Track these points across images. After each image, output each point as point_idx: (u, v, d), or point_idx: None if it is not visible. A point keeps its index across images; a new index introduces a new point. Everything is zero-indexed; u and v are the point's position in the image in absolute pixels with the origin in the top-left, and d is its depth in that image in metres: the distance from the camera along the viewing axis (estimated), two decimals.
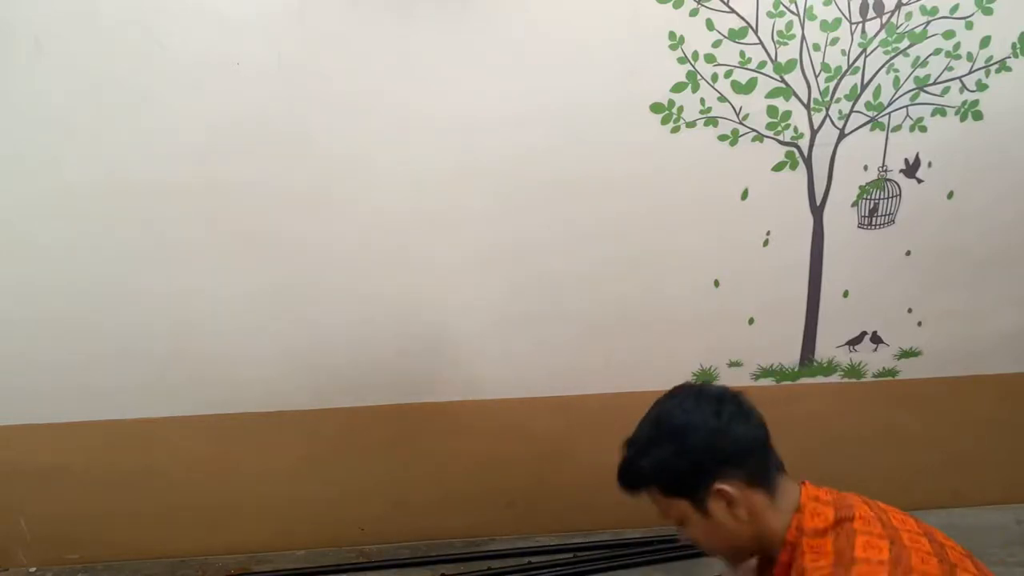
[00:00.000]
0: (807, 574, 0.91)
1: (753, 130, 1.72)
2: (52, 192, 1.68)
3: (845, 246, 1.85)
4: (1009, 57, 1.69)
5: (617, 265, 1.83)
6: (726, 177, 1.76)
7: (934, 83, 1.70)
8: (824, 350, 1.97)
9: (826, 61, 1.67)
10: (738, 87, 1.68)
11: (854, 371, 1.99)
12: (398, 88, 1.64)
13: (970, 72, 1.70)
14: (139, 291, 1.78)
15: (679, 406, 1.05)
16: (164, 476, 1.98)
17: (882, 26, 1.65)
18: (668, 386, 2.06)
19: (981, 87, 1.71)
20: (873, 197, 1.81)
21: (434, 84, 1.64)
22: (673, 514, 1.04)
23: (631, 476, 1.06)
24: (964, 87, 1.71)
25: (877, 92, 1.70)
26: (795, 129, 1.73)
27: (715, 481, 0.97)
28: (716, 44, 1.64)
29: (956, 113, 1.73)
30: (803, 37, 1.65)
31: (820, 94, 1.70)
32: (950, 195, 1.81)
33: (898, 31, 1.66)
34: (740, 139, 1.72)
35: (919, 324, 1.95)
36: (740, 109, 1.70)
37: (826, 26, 1.64)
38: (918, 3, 1.64)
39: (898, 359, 1.99)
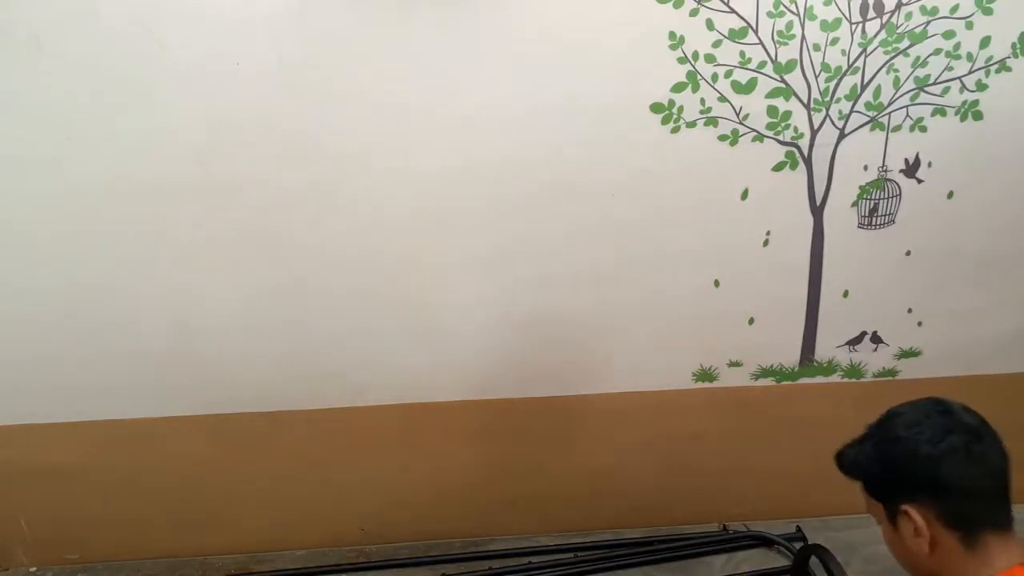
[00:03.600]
0: None
1: (753, 130, 1.72)
2: (52, 192, 1.68)
3: (845, 246, 1.85)
4: (1009, 57, 1.69)
5: (617, 265, 1.83)
6: (726, 177, 1.76)
7: (934, 83, 1.70)
8: (824, 350, 1.97)
9: (826, 61, 1.67)
10: (738, 87, 1.68)
11: (854, 371, 1.99)
12: (398, 88, 1.64)
13: (970, 72, 1.70)
14: (139, 291, 1.78)
15: (911, 416, 1.02)
16: (164, 476, 1.98)
17: (882, 26, 1.65)
18: (668, 386, 2.09)
19: (981, 87, 1.71)
20: (873, 197, 1.81)
21: (434, 84, 1.64)
22: (871, 510, 1.04)
23: (839, 458, 1.07)
24: (964, 87, 1.71)
25: (877, 92, 1.70)
26: (795, 129, 1.73)
27: (905, 502, 0.96)
28: (716, 44, 1.64)
29: (956, 113, 1.73)
30: (803, 37, 1.65)
31: (820, 94, 1.70)
32: (950, 195, 1.81)
33: (898, 31, 1.66)
34: (740, 139, 1.72)
35: (919, 324, 1.95)
36: (740, 109, 1.70)
37: (826, 26, 1.64)
38: (918, 3, 1.64)
39: (898, 359, 1.99)
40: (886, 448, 1.00)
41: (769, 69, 1.67)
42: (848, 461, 1.05)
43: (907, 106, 1.72)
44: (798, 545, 2.00)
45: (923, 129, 1.74)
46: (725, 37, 1.64)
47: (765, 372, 1.98)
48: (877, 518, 1.03)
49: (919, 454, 0.96)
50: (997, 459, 0.97)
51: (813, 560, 1.80)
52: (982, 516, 0.95)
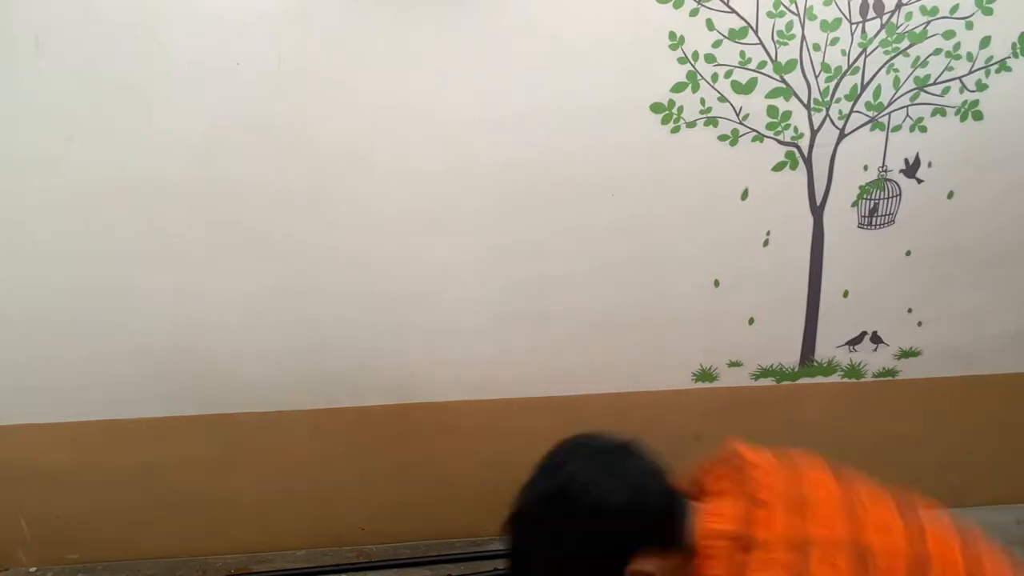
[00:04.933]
0: None
1: (753, 130, 1.72)
2: (52, 191, 1.67)
3: (845, 246, 1.85)
4: (1009, 57, 1.69)
5: (617, 265, 1.83)
6: (726, 177, 1.76)
7: (934, 83, 1.70)
8: (824, 350, 1.97)
9: (826, 61, 1.67)
10: (738, 87, 1.68)
11: (854, 371, 2.00)
12: (398, 88, 1.64)
13: (970, 72, 1.70)
14: (139, 291, 1.78)
15: (585, 477, 0.87)
16: (164, 476, 1.98)
17: (882, 26, 1.65)
18: (668, 386, 2.09)
19: (981, 87, 1.71)
20: (873, 197, 1.81)
21: (434, 84, 1.64)
22: None
23: (521, 571, 0.88)
24: (964, 87, 1.71)
25: (877, 92, 1.70)
26: (795, 129, 1.73)
27: (627, 563, 0.84)
28: (716, 44, 1.64)
29: (956, 113, 1.73)
30: (803, 37, 1.65)
31: (820, 94, 1.70)
32: (950, 195, 1.81)
33: (898, 31, 1.66)
34: (740, 139, 1.72)
35: (919, 324, 1.95)
36: (740, 109, 1.70)
37: (826, 26, 1.64)
38: (918, 3, 1.64)
39: (898, 359, 1.99)
40: (575, 531, 0.85)
41: (769, 69, 1.67)
42: (540, 571, 0.87)
43: (907, 106, 1.72)
44: None
45: (923, 129, 1.74)
46: (725, 37, 1.64)
47: (765, 372, 1.98)
48: None
49: (614, 509, 0.84)
50: (648, 460, 0.91)
51: None
52: (682, 515, 0.88)
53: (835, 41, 1.66)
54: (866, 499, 0.91)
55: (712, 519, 0.86)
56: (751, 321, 1.92)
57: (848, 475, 0.95)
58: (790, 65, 1.67)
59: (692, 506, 0.90)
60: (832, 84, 1.69)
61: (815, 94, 1.70)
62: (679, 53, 1.64)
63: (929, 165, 1.78)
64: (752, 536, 0.83)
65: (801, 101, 1.70)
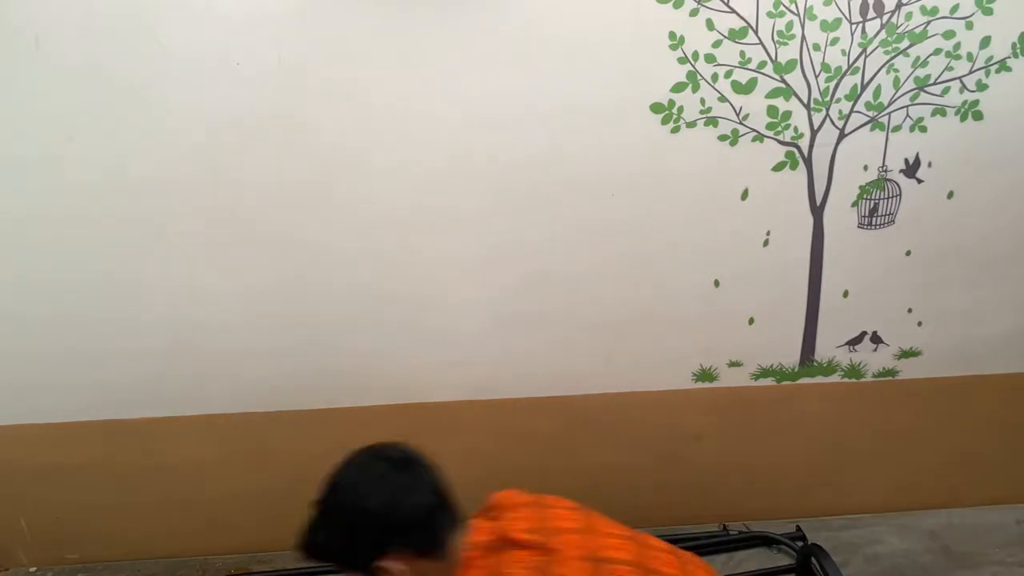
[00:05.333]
0: None
1: (753, 130, 1.72)
2: (53, 191, 1.68)
3: (845, 246, 1.85)
4: (1009, 57, 1.69)
5: (617, 265, 1.83)
6: (726, 177, 1.76)
7: (934, 83, 1.70)
8: (824, 350, 1.97)
9: (826, 61, 1.67)
10: (738, 87, 1.68)
11: (854, 371, 2.00)
12: (398, 87, 1.64)
13: (970, 72, 1.70)
14: (139, 291, 1.78)
15: (348, 478, 1.07)
16: (164, 476, 1.98)
17: (882, 26, 1.65)
18: (668, 386, 2.08)
19: (981, 87, 1.71)
20: (873, 197, 1.81)
21: (434, 83, 1.64)
22: None
23: (306, 551, 1.05)
24: (964, 87, 1.71)
25: (877, 92, 1.70)
26: (795, 129, 1.73)
27: (379, 559, 1.00)
28: (716, 44, 1.64)
29: (956, 113, 1.73)
30: (803, 37, 1.65)
31: (820, 94, 1.70)
32: (950, 195, 1.81)
33: (898, 31, 1.66)
34: (740, 139, 1.72)
35: (919, 324, 1.95)
36: (740, 109, 1.70)
37: (826, 26, 1.64)
38: (918, 3, 1.64)
39: (898, 359, 1.99)
40: (340, 522, 1.02)
41: (769, 69, 1.67)
42: (315, 551, 1.04)
43: (907, 106, 1.72)
44: (799, 545, 2.00)
45: (923, 129, 1.74)
46: (725, 37, 1.64)
47: (765, 372, 1.98)
48: None
49: (371, 511, 1.00)
50: (430, 474, 1.07)
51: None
52: (445, 528, 1.04)
53: (835, 41, 1.66)
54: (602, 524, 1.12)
55: (474, 532, 1.05)
56: (751, 321, 1.92)
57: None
58: (790, 65, 1.67)
59: (466, 523, 1.08)
60: (832, 84, 1.69)
61: (815, 94, 1.70)
62: (679, 53, 1.64)
63: (929, 165, 1.78)
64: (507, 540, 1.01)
65: (801, 101, 1.71)
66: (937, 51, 1.67)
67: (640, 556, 1.04)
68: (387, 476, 1.04)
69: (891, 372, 2.00)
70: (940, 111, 1.73)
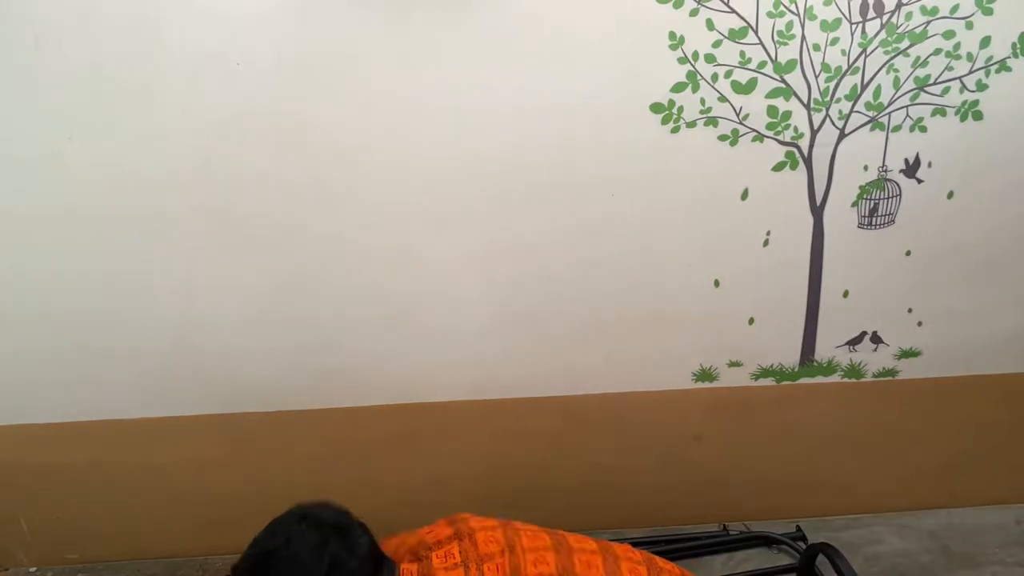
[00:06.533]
0: None
1: (753, 130, 1.72)
2: (53, 190, 1.68)
3: (845, 246, 1.85)
4: (1009, 57, 1.69)
5: (617, 265, 1.83)
6: (726, 177, 1.76)
7: (934, 83, 1.70)
8: (824, 350, 1.97)
9: (826, 61, 1.67)
10: (738, 87, 1.68)
11: (854, 371, 2.00)
12: (397, 86, 1.64)
13: (970, 72, 1.70)
14: (138, 291, 1.78)
15: (282, 552, 1.05)
16: (164, 476, 1.98)
17: (882, 26, 1.65)
18: (668, 386, 2.08)
19: (981, 87, 1.71)
20: (873, 197, 1.81)
21: (434, 82, 1.64)
22: None
23: None
24: (964, 87, 1.71)
25: (877, 92, 1.70)
26: (795, 129, 1.73)
27: None
28: (716, 44, 1.64)
29: (956, 113, 1.73)
30: (803, 37, 1.65)
31: (820, 94, 1.70)
32: (950, 195, 1.81)
33: (898, 31, 1.66)
34: (740, 139, 1.72)
35: (919, 324, 1.95)
36: (740, 109, 1.70)
37: (826, 26, 1.64)
38: (918, 3, 1.64)
39: (898, 359, 1.99)
40: None
41: (769, 69, 1.67)
42: None
43: (907, 106, 1.72)
44: (800, 545, 2.00)
45: (923, 129, 1.74)
46: (725, 37, 1.64)
47: (765, 372, 1.98)
48: None
49: None
50: (362, 532, 1.08)
51: (819, 559, 1.80)
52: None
53: (835, 41, 1.66)
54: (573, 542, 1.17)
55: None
56: (751, 321, 1.92)
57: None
58: (790, 65, 1.67)
59: (398, 569, 1.11)
60: (832, 84, 1.69)
61: (815, 94, 1.70)
62: (679, 53, 1.64)
63: (929, 165, 1.78)
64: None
65: (801, 101, 1.71)
66: (937, 51, 1.67)
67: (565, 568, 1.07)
68: (324, 543, 1.03)
69: (891, 372, 2.00)
70: (940, 111, 1.73)
